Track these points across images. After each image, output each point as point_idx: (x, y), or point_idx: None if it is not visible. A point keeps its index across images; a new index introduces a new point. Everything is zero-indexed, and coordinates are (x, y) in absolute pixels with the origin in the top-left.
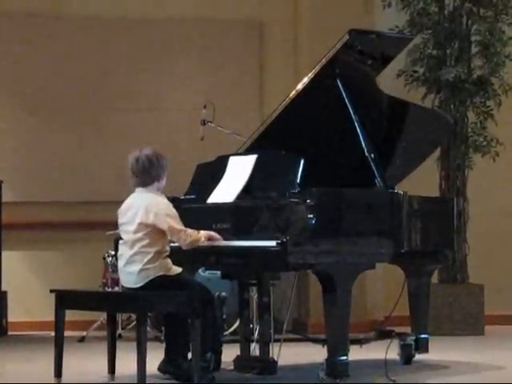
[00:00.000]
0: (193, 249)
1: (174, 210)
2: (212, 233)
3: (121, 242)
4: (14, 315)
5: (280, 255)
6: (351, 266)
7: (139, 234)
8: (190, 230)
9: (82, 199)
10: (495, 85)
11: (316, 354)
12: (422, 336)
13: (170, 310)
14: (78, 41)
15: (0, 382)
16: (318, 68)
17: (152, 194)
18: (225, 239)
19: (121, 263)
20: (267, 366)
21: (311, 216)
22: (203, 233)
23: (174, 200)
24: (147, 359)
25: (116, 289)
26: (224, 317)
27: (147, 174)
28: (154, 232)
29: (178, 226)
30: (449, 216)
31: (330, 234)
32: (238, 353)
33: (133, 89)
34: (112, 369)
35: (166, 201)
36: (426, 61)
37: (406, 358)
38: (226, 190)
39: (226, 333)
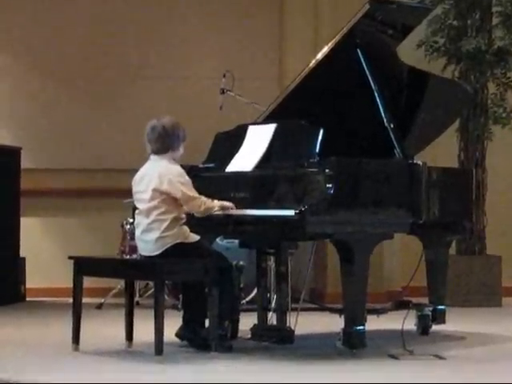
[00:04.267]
0: (211, 217)
1: (187, 178)
2: (225, 202)
3: (137, 211)
4: (32, 281)
5: (298, 224)
6: (369, 236)
7: (155, 202)
8: (203, 198)
9: (101, 166)
10: None
11: (333, 323)
12: (440, 307)
13: (188, 278)
14: (97, 9)
15: (19, 347)
16: (338, 37)
17: (165, 162)
18: (243, 208)
19: (138, 232)
20: (284, 335)
21: (330, 185)
22: (217, 202)
23: (192, 168)
24: (164, 327)
25: (134, 256)
26: (241, 286)
27: (161, 142)
28: (169, 199)
29: (192, 193)
30: (467, 187)
31: (349, 203)
32: (255, 321)
33: (152, 57)
34: (129, 336)
35: (179, 168)
36: (447, 31)
37: (423, 329)
38: (245, 159)
39: (244, 301)
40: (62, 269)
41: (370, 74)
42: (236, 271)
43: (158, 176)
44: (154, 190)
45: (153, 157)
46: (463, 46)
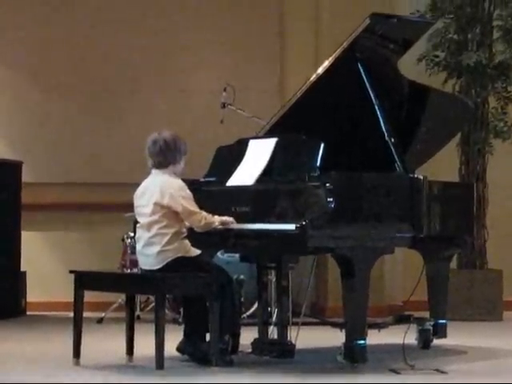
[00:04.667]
0: (212, 231)
1: (188, 192)
2: (226, 218)
3: (138, 225)
4: (33, 295)
5: (299, 239)
6: (370, 250)
7: (155, 216)
8: (204, 213)
9: (102, 180)
10: None
11: (334, 337)
12: (441, 321)
13: (189, 292)
14: (98, 21)
15: (19, 361)
16: (338, 52)
17: (167, 176)
18: (244, 222)
19: (139, 246)
20: (285, 349)
21: (330, 200)
22: (217, 218)
23: (193, 182)
24: (165, 341)
25: (135, 270)
26: (242, 300)
27: (163, 156)
28: (170, 213)
29: (193, 208)
30: (468, 201)
31: (350, 217)
32: (256, 336)
33: (154, 71)
34: (130, 350)
35: (180, 183)
36: (448, 45)
37: (424, 343)
38: (246, 173)
39: (244, 316)
40: (63, 283)
41: (371, 88)
42: (237, 285)
43: (159, 190)
44: (156, 204)
45: (154, 171)
46: (464, 60)
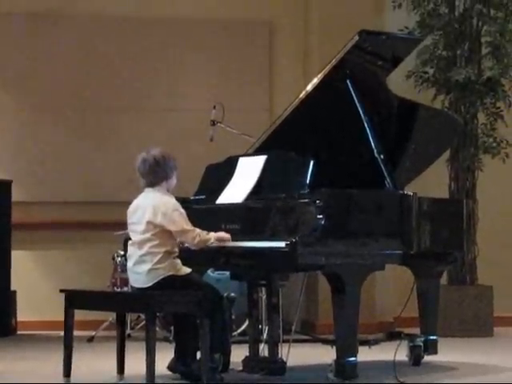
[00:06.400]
0: (202, 249)
1: (182, 210)
2: (222, 234)
3: (130, 242)
4: (23, 315)
5: (289, 256)
6: (360, 267)
7: (148, 235)
8: (198, 230)
9: (92, 199)
10: (505, 86)
11: (325, 354)
12: (431, 337)
13: (179, 310)
14: (86, 40)
15: (10, 381)
16: (327, 69)
17: (160, 194)
18: (234, 240)
19: (130, 263)
20: (276, 366)
21: (320, 217)
22: (213, 234)
23: (183, 200)
24: (156, 359)
25: (125, 289)
26: (233, 317)
27: (154, 174)
28: (163, 232)
29: (187, 226)
30: (458, 217)
31: (340, 234)
32: (247, 353)
33: (143, 89)
34: (121, 369)
35: (173, 201)
36: (436, 62)
37: (415, 360)
38: (236, 191)
39: (235, 333)
40: (53, 302)
41: (360, 105)
42: (227, 303)
43: (152, 208)
44: (148, 223)
45: (147, 189)
46: (453, 76)
